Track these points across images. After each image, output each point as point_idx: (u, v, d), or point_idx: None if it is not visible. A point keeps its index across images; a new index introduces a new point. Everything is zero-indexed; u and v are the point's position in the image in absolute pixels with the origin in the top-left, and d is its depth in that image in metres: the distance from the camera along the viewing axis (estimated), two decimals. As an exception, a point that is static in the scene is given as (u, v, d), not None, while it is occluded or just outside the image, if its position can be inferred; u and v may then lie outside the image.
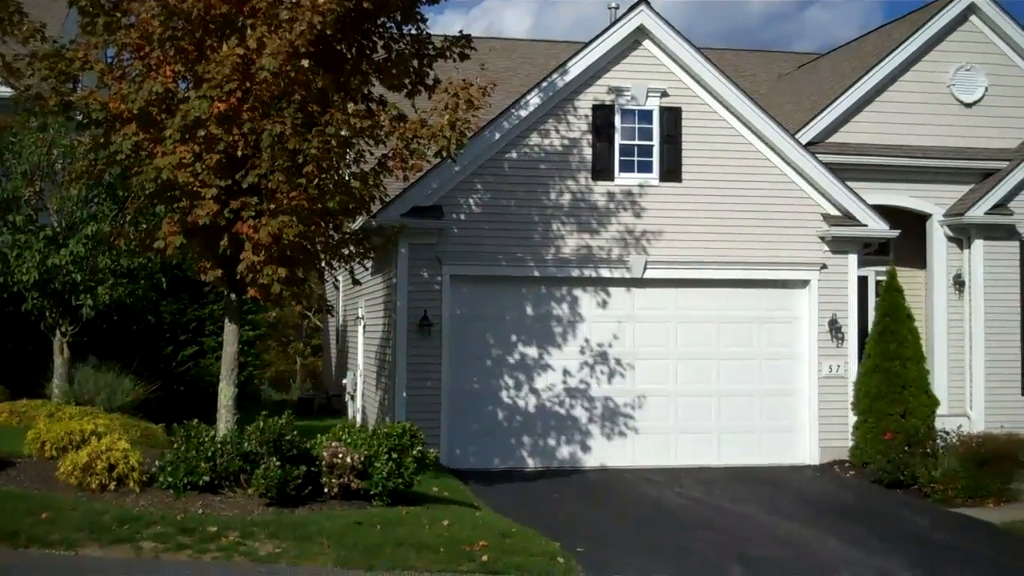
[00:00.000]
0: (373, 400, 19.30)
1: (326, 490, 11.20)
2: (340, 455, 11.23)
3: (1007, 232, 19.46)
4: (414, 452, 11.71)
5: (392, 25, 14.13)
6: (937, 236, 19.95)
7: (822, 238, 18.11)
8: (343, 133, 12.83)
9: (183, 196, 12.76)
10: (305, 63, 12.29)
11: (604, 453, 17.44)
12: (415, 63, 14.21)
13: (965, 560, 12.47)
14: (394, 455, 11.53)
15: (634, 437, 17.55)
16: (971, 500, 15.23)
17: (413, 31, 14.21)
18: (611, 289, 17.74)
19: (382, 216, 16.45)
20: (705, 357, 17.86)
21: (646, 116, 17.87)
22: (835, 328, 17.99)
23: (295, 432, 11.25)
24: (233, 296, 13.65)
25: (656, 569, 11.50)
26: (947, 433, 16.70)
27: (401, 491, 11.57)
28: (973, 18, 20.20)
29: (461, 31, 14.62)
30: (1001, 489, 15.45)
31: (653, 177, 17.80)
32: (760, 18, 73.53)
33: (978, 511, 14.87)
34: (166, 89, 12.48)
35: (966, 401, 19.41)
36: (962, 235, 19.77)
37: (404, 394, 16.76)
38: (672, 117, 17.91)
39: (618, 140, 17.76)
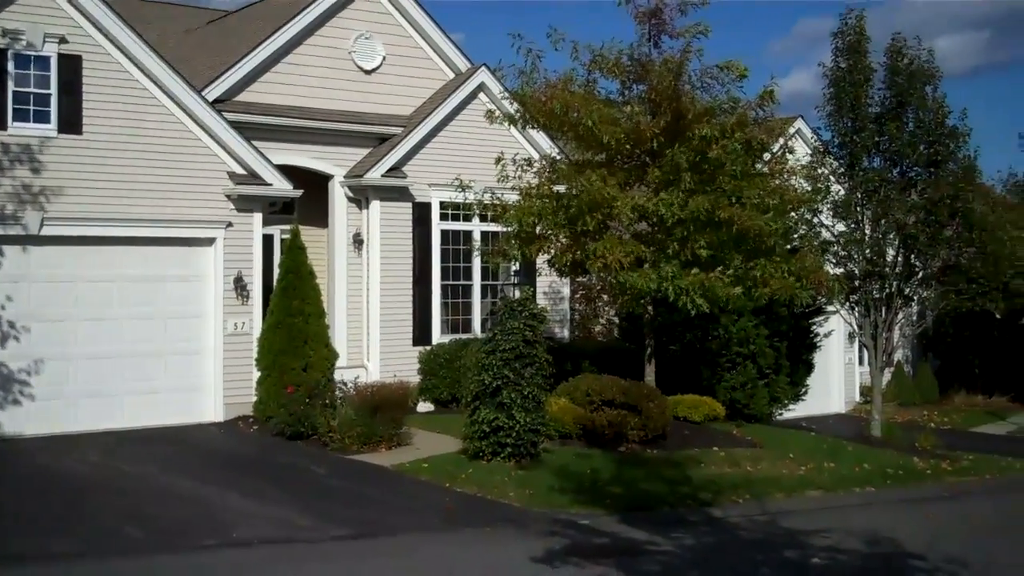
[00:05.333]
0: None
1: None
2: None
3: (401, 194, 20.85)
4: None
5: None
6: (339, 196, 20.91)
7: (228, 196, 18.26)
8: None
9: None
10: None
11: (-3, 422, 16.41)
12: None
13: (355, 501, 13.40)
14: None
15: (31, 404, 16.58)
16: (366, 446, 16.23)
17: None
18: (5, 248, 16.57)
19: None
20: (109, 318, 17.33)
21: (43, 63, 16.79)
22: (240, 286, 18.26)
23: None
24: None
25: (51, 543, 11.10)
26: (346, 384, 17.68)
27: None
28: (373, -12, 21.30)
29: None
30: (392, 434, 16.65)
31: (51, 128, 16.82)
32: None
33: (372, 456, 15.94)
34: None
35: (364, 353, 20.63)
36: (361, 196, 20.88)
37: None
38: (72, 65, 17.00)
39: (11, 87, 16.54)
